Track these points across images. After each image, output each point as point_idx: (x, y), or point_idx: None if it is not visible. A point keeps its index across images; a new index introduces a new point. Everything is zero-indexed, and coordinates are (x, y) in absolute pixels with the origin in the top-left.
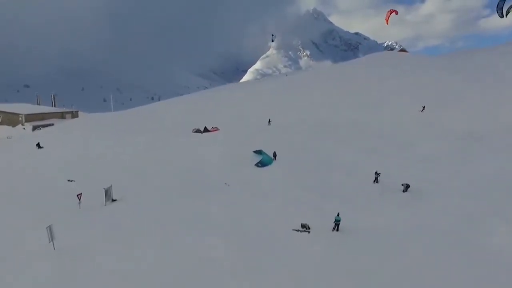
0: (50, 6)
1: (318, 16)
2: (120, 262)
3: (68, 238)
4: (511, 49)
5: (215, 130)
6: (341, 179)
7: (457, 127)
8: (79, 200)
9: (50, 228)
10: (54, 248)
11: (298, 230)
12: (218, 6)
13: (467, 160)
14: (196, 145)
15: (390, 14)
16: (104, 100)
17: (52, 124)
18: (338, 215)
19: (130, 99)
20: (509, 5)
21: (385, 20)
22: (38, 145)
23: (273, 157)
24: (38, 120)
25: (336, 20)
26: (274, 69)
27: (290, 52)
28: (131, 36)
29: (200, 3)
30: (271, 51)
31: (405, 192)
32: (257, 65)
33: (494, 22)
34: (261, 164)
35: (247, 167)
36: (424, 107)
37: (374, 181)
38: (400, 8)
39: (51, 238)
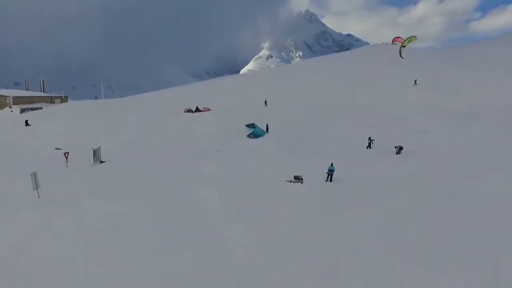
0: (42, 4)
1: (310, 18)
2: (107, 207)
3: (53, 189)
4: (503, 41)
5: (207, 110)
6: (334, 146)
7: (450, 107)
8: (66, 159)
9: (34, 175)
10: (39, 196)
11: (290, 181)
12: (212, 7)
13: (460, 132)
14: (187, 121)
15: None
16: (95, 97)
17: (41, 108)
18: (331, 165)
19: (122, 97)
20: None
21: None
22: (26, 122)
23: (265, 130)
24: (26, 104)
25: (329, 22)
26: (267, 69)
27: (282, 53)
28: (124, 35)
29: (194, 3)
30: (264, 52)
31: (399, 154)
32: (250, 65)
33: (485, 24)
34: (254, 135)
35: (240, 138)
36: (416, 81)
37: (367, 147)
38: (392, 10)
39: (36, 185)
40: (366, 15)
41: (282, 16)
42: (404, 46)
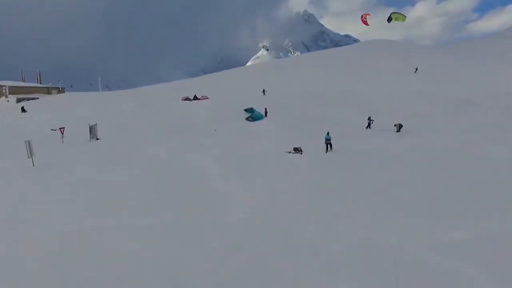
0: (41, 5)
1: (308, 18)
2: (104, 173)
3: (48, 159)
4: (503, 36)
5: (205, 99)
6: (334, 127)
7: (450, 95)
8: (62, 134)
9: (29, 143)
10: (33, 165)
11: (290, 152)
12: (210, 7)
13: (460, 115)
14: (186, 107)
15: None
16: None
17: (37, 98)
18: (328, 134)
19: None
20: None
21: (363, 23)
22: (22, 109)
23: (264, 114)
24: (23, 94)
25: (327, 22)
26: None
27: (280, 53)
28: (122, 34)
29: (192, 3)
30: (262, 53)
31: (399, 132)
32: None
33: (482, 25)
34: (252, 118)
35: (238, 121)
36: (416, 69)
37: (367, 127)
38: (390, 11)
39: (30, 154)
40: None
41: (280, 17)
42: (391, 18)
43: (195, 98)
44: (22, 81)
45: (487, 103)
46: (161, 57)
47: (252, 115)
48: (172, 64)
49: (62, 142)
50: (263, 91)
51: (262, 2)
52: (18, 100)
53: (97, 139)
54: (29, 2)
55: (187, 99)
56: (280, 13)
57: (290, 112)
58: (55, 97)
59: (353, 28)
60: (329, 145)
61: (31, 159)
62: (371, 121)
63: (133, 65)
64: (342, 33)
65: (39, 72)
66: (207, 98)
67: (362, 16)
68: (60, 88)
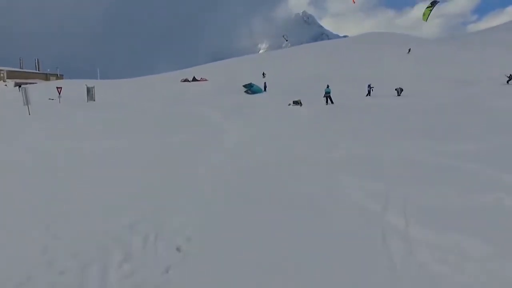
0: (42, 5)
1: (308, 19)
2: (99, 115)
3: (45, 111)
4: (503, 28)
5: (204, 80)
6: (335, 98)
7: (448, 77)
8: (59, 94)
9: (25, 90)
10: (29, 113)
11: (289, 104)
12: (210, 8)
13: (459, 90)
14: (185, 87)
15: None
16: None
17: (35, 83)
18: (327, 87)
19: None
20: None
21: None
22: (20, 87)
23: (263, 89)
24: (21, 79)
25: (327, 23)
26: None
27: None
28: (121, 35)
29: (192, 4)
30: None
31: (399, 96)
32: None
33: (482, 27)
34: (251, 91)
35: (237, 94)
36: (409, 50)
37: (366, 95)
38: (390, 13)
39: (26, 101)
40: (364, 16)
41: (280, 18)
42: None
43: (194, 79)
44: (21, 68)
45: (486, 83)
46: (160, 57)
47: (251, 89)
48: (172, 64)
49: (59, 102)
50: (263, 74)
51: (261, 3)
52: (16, 85)
53: (94, 100)
54: (28, 2)
55: (186, 80)
56: (279, 14)
57: (289, 88)
58: (53, 83)
59: (353, 29)
60: (328, 99)
61: (27, 106)
62: (371, 89)
63: (132, 65)
64: (341, 34)
65: (38, 60)
66: (206, 80)
67: None
68: (58, 75)
